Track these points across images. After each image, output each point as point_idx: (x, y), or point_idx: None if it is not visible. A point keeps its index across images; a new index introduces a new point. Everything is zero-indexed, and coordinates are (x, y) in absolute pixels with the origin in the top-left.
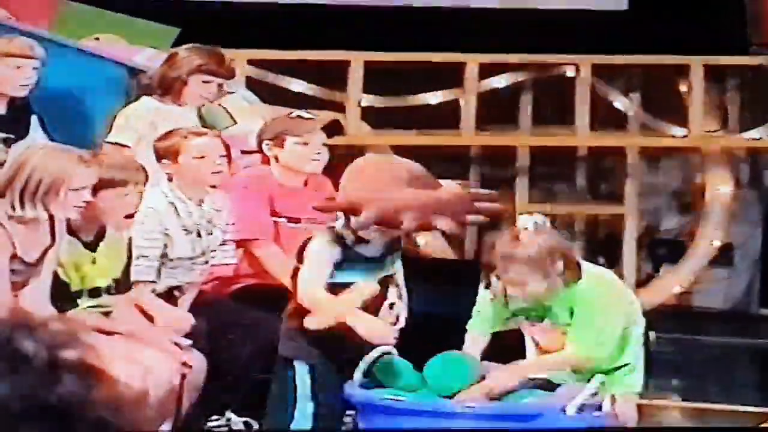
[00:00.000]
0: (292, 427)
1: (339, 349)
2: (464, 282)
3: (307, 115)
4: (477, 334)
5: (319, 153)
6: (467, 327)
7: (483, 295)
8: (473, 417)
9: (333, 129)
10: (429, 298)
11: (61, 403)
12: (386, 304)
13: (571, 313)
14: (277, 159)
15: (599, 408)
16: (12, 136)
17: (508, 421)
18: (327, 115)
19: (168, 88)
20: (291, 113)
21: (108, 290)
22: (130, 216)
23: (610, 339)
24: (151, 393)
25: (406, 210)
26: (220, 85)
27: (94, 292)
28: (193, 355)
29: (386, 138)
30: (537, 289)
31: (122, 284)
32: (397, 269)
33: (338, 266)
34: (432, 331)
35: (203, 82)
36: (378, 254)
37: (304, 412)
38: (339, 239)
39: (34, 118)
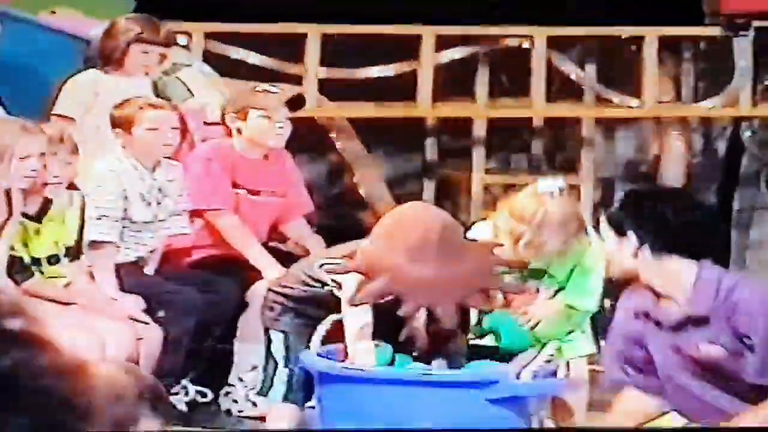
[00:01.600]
0: (270, 393)
1: (313, 317)
2: None
3: (273, 90)
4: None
5: (281, 127)
6: None
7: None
8: (430, 384)
9: (296, 103)
10: None
11: (5, 372)
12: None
13: (570, 272)
14: (239, 131)
15: (554, 374)
16: None
17: (465, 387)
18: (290, 89)
19: (108, 58)
20: (256, 87)
21: (56, 259)
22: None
23: (598, 292)
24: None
25: (417, 288)
26: (162, 55)
27: (48, 260)
28: (148, 326)
29: (343, 110)
30: (553, 250)
31: (74, 250)
32: None
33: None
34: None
35: (143, 52)
36: None
37: (281, 378)
38: None
39: None
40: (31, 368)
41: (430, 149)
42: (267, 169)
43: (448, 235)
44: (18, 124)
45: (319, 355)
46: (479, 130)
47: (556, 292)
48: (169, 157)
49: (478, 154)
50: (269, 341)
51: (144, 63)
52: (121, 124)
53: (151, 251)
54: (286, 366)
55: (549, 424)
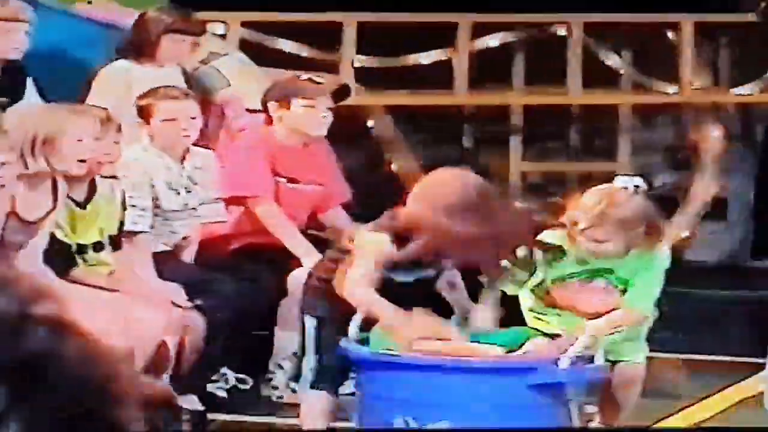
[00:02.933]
0: (300, 381)
1: (347, 305)
2: None
3: (317, 79)
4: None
5: (324, 116)
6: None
7: (549, 234)
8: (468, 371)
9: (341, 93)
10: None
11: (32, 356)
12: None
13: (630, 275)
14: (281, 120)
15: (591, 360)
16: (7, 100)
17: (504, 374)
18: (335, 80)
19: (140, 49)
20: (299, 75)
21: (101, 247)
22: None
23: (656, 297)
24: (137, 348)
25: (459, 244)
26: (195, 44)
27: (94, 248)
28: (192, 315)
29: (380, 98)
30: (612, 249)
31: (117, 239)
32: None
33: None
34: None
35: (175, 42)
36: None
37: (309, 366)
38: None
39: (29, 81)
40: (58, 353)
41: (467, 137)
42: (306, 157)
43: (485, 193)
44: (66, 108)
45: (357, 341)
46: (516, 117)
47: (622, 292)
48: (202, 145)
49: (515, 142)
50: (303, 327)
51: (176, 53)
52: (142, 114)
53: (184, 239)
54: (316, 353)
55: (593, 412)
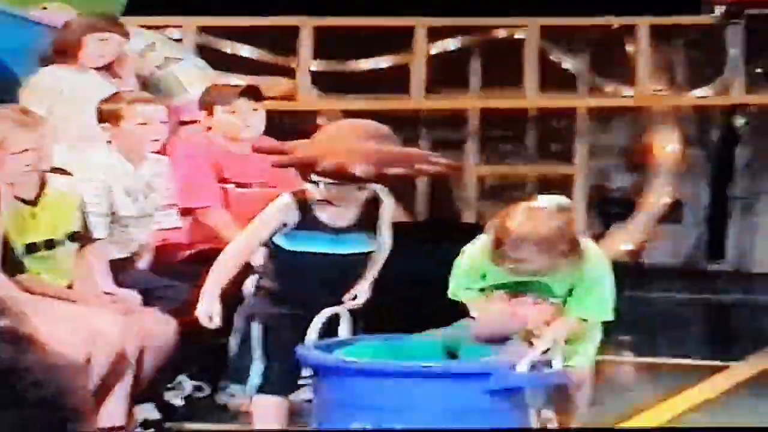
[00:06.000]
0: (248, 386)
1: (295, 308)
2: (418, 245)
3: (232, 83)
4: (473, 296)
5: (250, 119)
6: (457, 294)
7: (476, 248)
8: (426, 375)
9: (253, 94)
10: (400, 260)
11: None
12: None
13: (570, 288)
14: (210, 128)
15: (549, 365)
16: None
17: (460, 379)
18: (273, 81)
19: (64, 53)
20: (216, 82)
21: (53, 244)
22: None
23: (610, 303)
24: (96, 357)
25: (361, 160)
26: (120, 45)
27: (45, 245)
28: (161, 317)
29: (336, 103)
30: (534, 268)
31: (76, 238)
32: (379, 246)
33: (298, 228)
34: (406, 289)
35: (100, 40)
36: (348, 225)
37: (258, 371)
38: (301, 203)
39: None
40: (17, 366)
41: (424, 141)
42: (255, 161)
43: (381, 132)
44: (12, 115)
45: (316, 347)
46: (473, 121)
47: (564, 303)
48: (157, 152)
49: (472, 146)
50: (248, 331)
51: (101, 53)
52: (109, 118)
53: (141, 246)
54: (265, 356)
55: (550, 416)
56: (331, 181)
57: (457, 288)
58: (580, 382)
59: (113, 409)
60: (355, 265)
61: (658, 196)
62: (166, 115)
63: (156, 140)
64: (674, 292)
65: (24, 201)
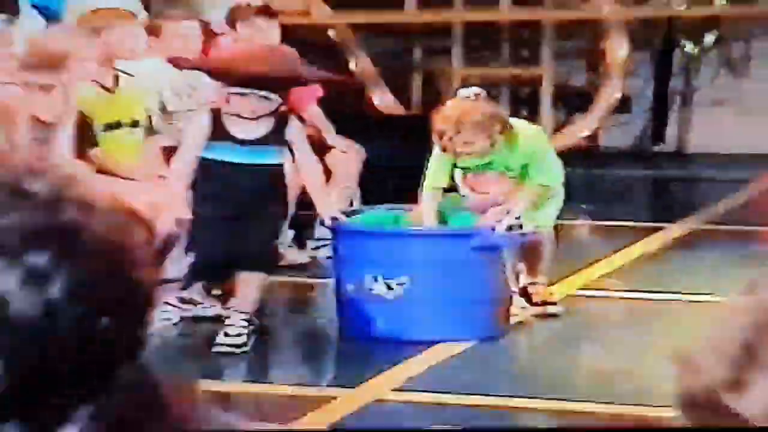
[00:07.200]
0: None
1: (213, 210)
2: (413, 135)
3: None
4: (432, 192)
5: (265, 33)
6: (427, 189)
7: (435, 155)
8: (423, 236)
9: (267, 13)
10: (383, 152)
11: (66, 225)
12: None
13: (523, 164)
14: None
15: (520, 227)
16: (9, 16)
17: (454, 238)
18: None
19: None
20: (239, 3)
21: (121, 126)
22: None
23: (558, 170)
24: (155, 223)
25: (259, 63)
26: None
27: (114, 125)
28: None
29: (344, 17)
30: (479, 148)
31: (142, 125)
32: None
33: (212, 139)
34: (387, 179)
35: None
36: (257, 137)
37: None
38: (215, 116)
39: (25, 3)
40: (87, 223)
41: (417, 49)
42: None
43: (289, 52)
44: (72, 31)
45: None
46: (456, 32)
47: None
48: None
49: (457, 52)
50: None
51: None
52: (153, 32)
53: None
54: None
55: (521, 268)
56: (238, 91)
57: (428, 186)
58: (545, 240)
59: (170, 264)
60: (265, 174)
61: (611, 92)
62: (198, 29)
63: (194, 50)
64: (624, 169)
65: (104, 88)
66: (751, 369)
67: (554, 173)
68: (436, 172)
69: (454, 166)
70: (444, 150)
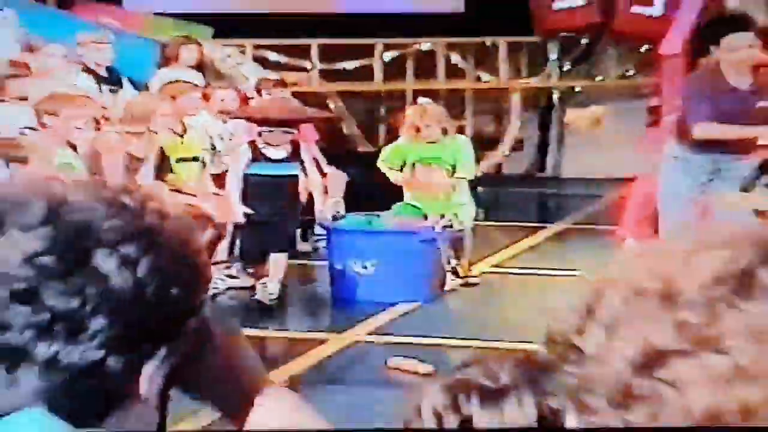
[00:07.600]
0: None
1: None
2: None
3: (271, 77)
4: (391, 167)
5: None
6: (383, 160)
7: (395, 144)
8: (385, 233)
9: (281, 84)
10: (359, 176)
11: (148, 227)
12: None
13: (453, 161)
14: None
15: (451, 227)
16: (116, 87)
17: (405, 234)
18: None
19: (169, 59)
20: (264, 77)
21: (190, 160)
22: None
23: (472, 165)
24: (208, 227)
25: (279, 111)
26: (200, 53)
27: (182, 160)
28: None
29: (331, 86)
30: (437, 132)
31: (200, 159)
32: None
33: (252, 161)
34: (362, 194)
35: (188, 49)
36: (283, 157)
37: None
38: (252, 146)
39: (124, 79)
40: (163, 226)
41: (383, 110)
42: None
43: (297, 103)
44: (156, 96)
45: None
46: (408, 95)
47: (450, 170)
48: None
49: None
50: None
51: (190, 57)
52: (206, 96)
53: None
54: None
55: (451, 254)
56: (268, 129)
57: (383, 161)
58: (466, 235)
59: (221, 248)
60: (286, 181)
61: (510, 137)
62: (236, 95)
63: (229, 112)
64: (519, 188)
65: (176, 134)
66: (589, 320)
67: (469, 170)
68: (391, 153)
69: (404, 163)
70: (414, 131)
